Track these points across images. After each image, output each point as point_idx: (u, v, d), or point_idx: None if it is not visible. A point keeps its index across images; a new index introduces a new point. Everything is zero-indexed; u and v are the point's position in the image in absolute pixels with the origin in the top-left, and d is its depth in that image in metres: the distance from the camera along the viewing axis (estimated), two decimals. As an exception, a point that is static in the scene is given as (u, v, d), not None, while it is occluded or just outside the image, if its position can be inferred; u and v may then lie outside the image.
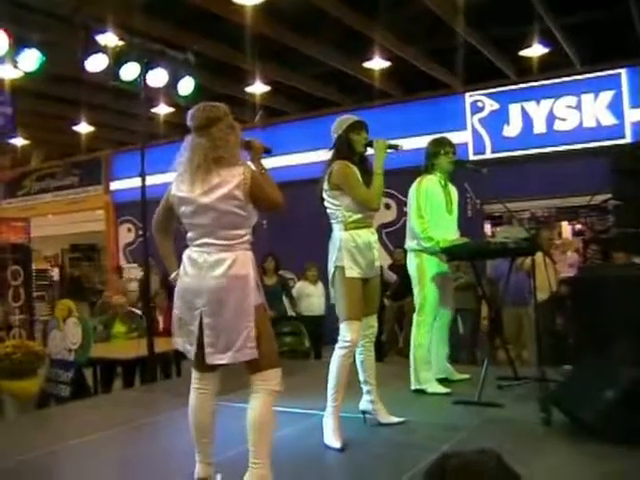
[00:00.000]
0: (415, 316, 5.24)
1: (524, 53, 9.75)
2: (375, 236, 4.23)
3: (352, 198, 4.09)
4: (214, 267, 3.07)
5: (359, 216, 4.12)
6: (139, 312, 8.44)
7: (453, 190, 5.42)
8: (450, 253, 5.03)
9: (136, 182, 6.94)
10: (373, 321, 4.28)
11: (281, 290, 9.06)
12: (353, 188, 4.08)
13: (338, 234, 4.13)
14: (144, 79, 6.73)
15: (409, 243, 5.29)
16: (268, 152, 3.45)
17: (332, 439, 3.95)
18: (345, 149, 4.19)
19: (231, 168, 3.11)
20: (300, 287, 9.45)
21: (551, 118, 10.62)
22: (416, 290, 5.24)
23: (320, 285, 8.99)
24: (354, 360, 4.19)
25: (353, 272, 4.06)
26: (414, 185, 5.28)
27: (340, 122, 4.25)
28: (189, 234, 3.21)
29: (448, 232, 5.19)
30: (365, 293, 4.15)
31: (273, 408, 3.11)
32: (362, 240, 4.10)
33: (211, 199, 3.08)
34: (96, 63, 6.43)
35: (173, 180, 3.26)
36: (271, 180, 3.26)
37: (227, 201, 3.07)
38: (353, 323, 4.02)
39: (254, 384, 3.10)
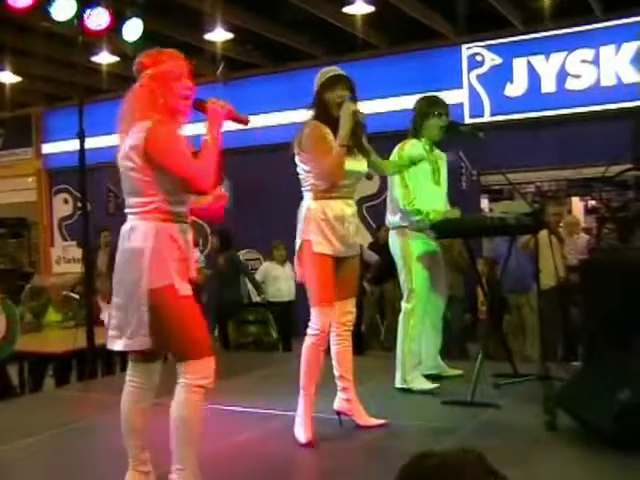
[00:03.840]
0: (403, 304, 5.24)
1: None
2: (352, 209, 4.22)
3: (315, 167, 4.08)
4: (123, 239, 3.16)
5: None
6: (76, 297, 8.38)
7: (440, 157, 5.42)
8: (440, 230, 5.02)
9: (74, 144, 6.85)
10: (351, 306, 4.29)
11: (234, 272, 9.05)
12: (318, 157, 4.07)
13: (306, 203, 4.15)
14: (82, 20, 6.62)
15: (390, 219, 5.29)
16: (244, 123, 3.52)
17: (298, 431, 4.03)
18: (320, 109, 4.19)
19: (141, 123, 3.11)
20: (266, 269, 9.45)
21: (563, 75, 10.62)
22: (402, 274, 5.23)
23: (289, 266, 8.99)
24: (329, 352, 4.19)
25: (322, 247, 4.06)
26: (395, 151, 5.25)
27: (319, 75, 4.24)
28: None
29: (436, 207, 5.16)
30: (341, 274, 4.15)
31: (199, 405, 3.10)
32: (334, 213, 4.09)
33: (119, 158, 3.17)
34: (21, -3, 6.32)
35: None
36: (209, 154, 3.18)
37: (125, 161, 3.14)
38: (324, 307, 4.04)
39: (178, 376, 3.12)
